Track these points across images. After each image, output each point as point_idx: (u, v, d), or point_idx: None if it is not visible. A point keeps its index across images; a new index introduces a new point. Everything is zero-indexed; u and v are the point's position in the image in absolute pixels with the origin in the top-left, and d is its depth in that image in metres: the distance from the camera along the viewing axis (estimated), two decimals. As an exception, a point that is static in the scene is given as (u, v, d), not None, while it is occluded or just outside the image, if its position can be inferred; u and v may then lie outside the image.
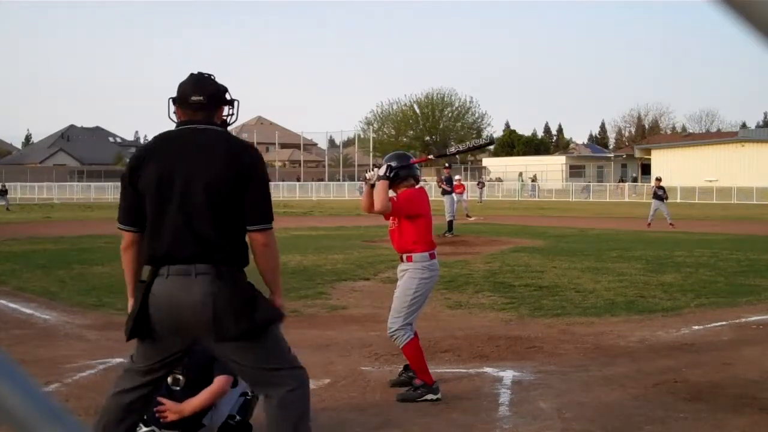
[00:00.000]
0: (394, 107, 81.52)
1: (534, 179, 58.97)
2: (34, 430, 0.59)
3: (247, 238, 3.17)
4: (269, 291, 3.26)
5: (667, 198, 24.19)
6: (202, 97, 3.17)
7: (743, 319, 7.72)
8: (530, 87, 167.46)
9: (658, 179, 24.91)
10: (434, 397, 4.92)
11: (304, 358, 5.98)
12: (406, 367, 5.28)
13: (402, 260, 5.14)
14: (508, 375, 5.51)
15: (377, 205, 4.94)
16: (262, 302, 3.14)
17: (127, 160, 3.25)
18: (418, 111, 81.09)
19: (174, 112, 3.25)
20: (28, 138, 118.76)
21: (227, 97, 3.31)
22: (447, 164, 21.11)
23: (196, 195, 3.05)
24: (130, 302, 3.23)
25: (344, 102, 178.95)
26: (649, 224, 22.64)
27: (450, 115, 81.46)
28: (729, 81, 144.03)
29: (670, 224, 21.87)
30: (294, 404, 3.22)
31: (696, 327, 7.36)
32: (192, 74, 3.26)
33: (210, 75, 3.29)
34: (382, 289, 9.96)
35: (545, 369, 5.69)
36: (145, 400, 3.32)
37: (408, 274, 5.07)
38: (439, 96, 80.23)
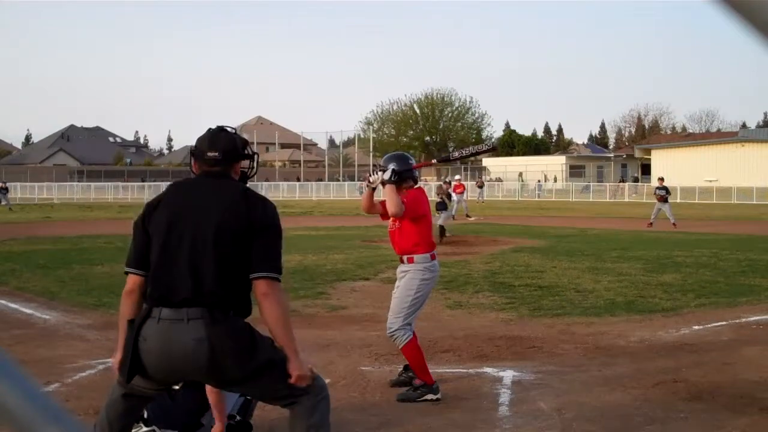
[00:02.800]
0: (394, 107, 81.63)
1: (550, 179, 58.76)
2: (34, 430, 0.59)
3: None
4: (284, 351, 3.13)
5: (669, 194, 24.10)
6: (217, 153, 3.20)
7: (743, 319, 7.72)
8: (530, 87, 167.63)
9: (660, 179, 24.93)
10: (434, 397, 4.92)
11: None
12: (406, 367, 5.29)
13: (403, 261, 5.14)
14: (508, 375, 5.51)
15: (393, 209, 4.96)
16: (260, 342, 3.09)
17: (144, 205, 3.29)
18: (418, 111, 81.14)
19: (191, 166, 3.32)
20: (28, 138, 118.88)
21: (247, 151, 3.33)
22: (447, 180, 20.79)
23: (203, 240, 3.04)
24: (117, 356, 3.15)
25: (344, 102, 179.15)
26: (651, 224, 22.63)
27: (450, 115, 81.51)
28: (729, 81, 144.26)
29: (673, 224, 21.87)
30: (309, 411, 3.15)
31: (696, 327, 7.36)
32: (210, 129, 3.29)
33: (228, 128, 3.32)
34: (382, 289, 9.95)
35: (545, 369, 5.69)
36: (143, 403, 3.33)
37: (409, 275, 5.06)
38: (439, 96, 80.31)
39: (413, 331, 5.09)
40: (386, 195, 5.00)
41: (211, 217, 3.07)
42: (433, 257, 5.12)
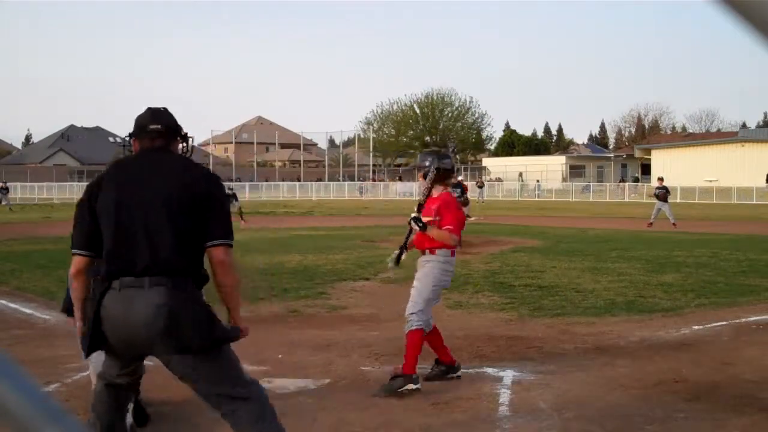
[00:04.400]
0: (394, 107, 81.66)
1: (549, 179, 58.75)
2: (34, 430, 0.59)
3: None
4: (228, 313, 3.26)
5: (669, 194, 24.13)
6: (159, 125, 3.30)
7: (743, 319, 7.72)
8: (530, 87, 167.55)
9: (660, 179, 24.96)
10: (414, 386, 5.01)
11: (304, 358, 6.01)
12: (437, 361, 5.39)
13: (424, 253, 5.28)
14: (508, 375, 5.51)
15: (452, 242, 5.20)
16: (218, 320, 3.17)
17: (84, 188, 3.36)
18: (418, 111, 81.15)
19: (130, 149, 3.42)
20: (28, 138, 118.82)
21: (182, 133, 3.43)
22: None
23: (156, 214, 3.11)
24: (79, 325, 3.29)
25: (344, 102, 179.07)
26: (651, 224, 22.64)
27: (450, 115, 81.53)
28: (729, 81, 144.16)
29: (673, 224, 21.89)
30: (251, 414, 3.17)
31: (696, 327, 7.36)
32: (149, 108, 3.39)
33: (165, 108, 3.44)
34: (382, 289, 9.96)
35: (545, 369, 5.69)
36: (126, 395, 3.38)
37: (430, 266, 5.20)
38: (439, 96, 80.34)
39: (432, 325, 5.25)
40: (436, 237, 5.16)
41: (161, 190, 3.14)
42: (453, 254, 5.32)
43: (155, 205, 3.11)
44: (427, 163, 5.34)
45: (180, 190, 3.15)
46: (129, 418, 4.07)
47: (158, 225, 3.10)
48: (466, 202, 16.15)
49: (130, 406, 4.13)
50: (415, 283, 5.26)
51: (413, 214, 5.30)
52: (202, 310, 3.13)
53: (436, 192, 5.36)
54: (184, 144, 3.45)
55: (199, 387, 3.20)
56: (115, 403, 3.31)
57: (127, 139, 3.41)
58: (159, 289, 3.03)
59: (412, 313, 5.14)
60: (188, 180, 3.19)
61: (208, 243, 3.16)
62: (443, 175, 5.36)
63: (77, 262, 3.22)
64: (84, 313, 3.27)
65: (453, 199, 5.46)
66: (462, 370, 5.62)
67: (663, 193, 23.46)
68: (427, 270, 5.20)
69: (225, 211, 3.32)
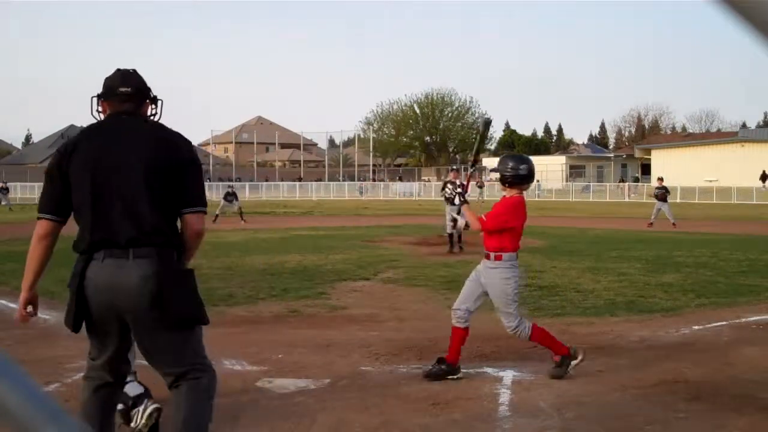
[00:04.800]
0: (394, 107, 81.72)
1: (549, 179, 58.70)
2: (34, 430, 0.59)
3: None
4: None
5: (669, 194, 24.19)
6: (129, 88, 3.25)
7: (743, 319, 7.72)
8: (530, 87, 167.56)
9: (660, 179, 24.99)
10: (578, 360, 5.40)
11: (304, 358, 6.01)
12: (440, 360, 5.42)
13: (489, 258, 5.46)
14: (508, 375, 5.51)
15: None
16: (199, 296, 3.20)
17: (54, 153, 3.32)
18: (418, 111, 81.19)
19: (98, 110, 3.32)
20: (28, 138, 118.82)
21: (152, 95, 3.38)
22: (453, 167, 18.00)
23: (133, 179, 3.07)
24: (23, 296, 3.28)
25: (344, 102, 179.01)
26: (651, 224, 22.66)
27: (450, 115, 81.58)
28: (729, 81, 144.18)
29: (673, 224, 21.90)
30: (200, 391, 3.22)
31: (696, 327, 7.36)
32: (118, 69, 3.33)
33: (135, 70, 3.36)
34: (382, 289, 9.96)
35: (545, 369, 5.68)
36: (113, 395, 3.37)
37: (498, 273, 5.41)
38: (439, 96, 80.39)
39: (467, 325, 5.48)
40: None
41: (136, 158, 3.10)
42: (517, 255, 5.52)
43: (133, 173, 3.08)
44: (510, 166, 5.49)
45: (157, 156, 3.12)
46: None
47: (138, 194, 3.07)
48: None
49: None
50: (492, 298, 5.48)
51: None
52: (188, 281, 3.14)
53: (509, 193, 5.55)
54: (153, 106, 3.39)
55: (163, 361, 3.18)
56: (102, 411, 3.29)
57: (95, 99, 3.33)
58: (144, 261, 3.03)
59: (515, 326, 5.42)
60: (164, 145, 3.17)
61: (183, 210, 3.16)
62: (521, 179, 5.50)
63: (44, 225, 3.17)
64: (33, 282, 3.26)
65: (517, 203, 5.54)
66: (462, 370, 5.62)
67: (662, 193, 23.54)
68: (497, 281, 5.41)
69: (199, 177, 3.30)
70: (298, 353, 6.18)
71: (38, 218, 3.20)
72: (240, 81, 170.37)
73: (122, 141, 3.14)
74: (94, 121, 3.32)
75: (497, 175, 5.56)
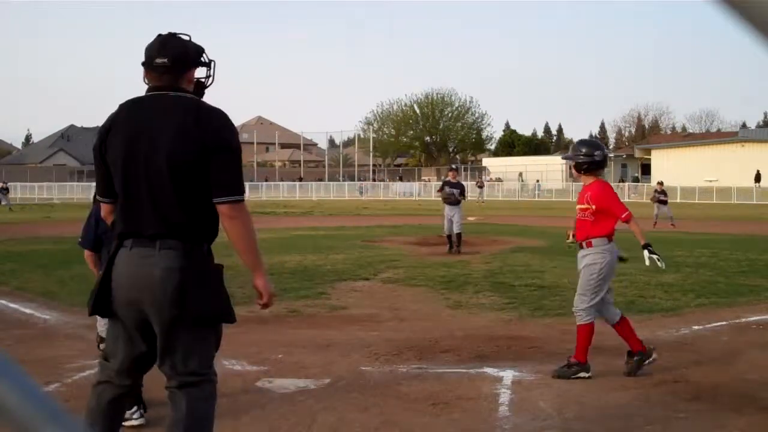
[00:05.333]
0: (394, 107, 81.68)
1: (549, 179, 58.72)
2: (34, 430, 0.59)
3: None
4: (251, 271, 3.13)
5: (667, 198, 24.35)
6: (166, 59, 2.98)
7: (743, 319, 7.72)
8: (530, 87, 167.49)
9: (660, 183, 25.08)
10: (587, 375, 5.31)
11: (304, 358, 6.01)
12: (629, 353, 5.50)
13: (582, 246, 5.50)
14: (508, 375, 5.51)
15: (636, 226, 5.55)
16: (226, 294, 3.07)
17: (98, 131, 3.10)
18: (418, 111, 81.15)
19: (144, 77, 3.08)
20: (28, 138, 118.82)
21: (203, 58, 3.11)
22: (453, 166, 17.24)
23: (159, 170, 2.90)
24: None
25: (344, 102, 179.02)
26: (655, 224, 22.70)
27: (450, 115, 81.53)
28: (729, 81, 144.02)
29: (672, 225, 21.93)
30: (198, 413, 3.05)
31: (696, 327, 7.36)
32: (159, 34, 3.06)
33: (180, 34, 3.08)
34: (382, 289, 9.96)
35: (545, 369, 5.68)
36: (121, 405, 3.23)
37: (589, 259, 5.42)
38: (438, 96, 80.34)
39: (618, 314, 5.51)
40: (637, 232, 5.59)
41: (162, 145, 2.90)
42: (610, 239, 5.46)
43: (158, 163, 2.90)
44: (583, 152, 5.54)
45: (188, 140, 2.91)
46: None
47: (162, 186, 2.91)
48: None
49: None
50: (579, 279, 5.51)
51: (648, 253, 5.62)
52: (214, 280, 2.99)
53: (587, 181, 5.58)
54: (208, 69, 3.14)
55: (174, 361, 2.99)
56: (110, 421, 3.13)
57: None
58: (170, 252, 2.90)
59: (580, 309, 5.41)
60: (198, 128, 2.92)
61: (215, 199, 2.95)
62: (597, 165, 5.55)
63: (105, 208, 3.13)
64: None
65: (606, 187, 5.62)
66: (462, 370, 5.62)
67: (662, 200, 23.81)
68: (587, 262, 5.43)
69: (233, 163, 3.01)
70: (298, 353, 6.18)
71: (99, 200, 3.15)
72: (240, 81, 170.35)
73: (153, 126, 2.94)
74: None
75: (568, 162, 5.69)
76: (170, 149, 2.90)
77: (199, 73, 3.16)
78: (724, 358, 6.03)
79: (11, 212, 33.32)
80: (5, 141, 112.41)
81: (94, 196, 3.71)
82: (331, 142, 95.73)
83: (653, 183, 41.45)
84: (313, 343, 6.55)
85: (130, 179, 2.95)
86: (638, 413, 4.66)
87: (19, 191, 49.00)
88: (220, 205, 2.95)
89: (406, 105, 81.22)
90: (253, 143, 79.91)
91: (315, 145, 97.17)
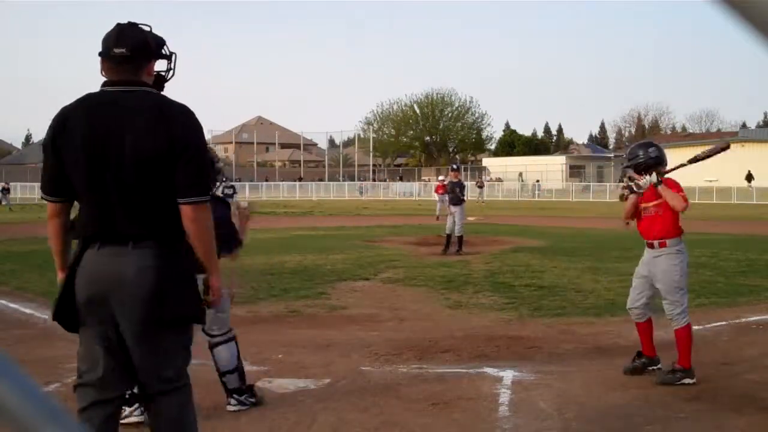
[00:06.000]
0: (394, 107, 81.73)
1: (549, 179, 58.74)
2: (34, 430, 0.59)
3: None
4: (206, 270, 3.03)
5: None
6: (124, 49, 2.82)
7: (743, 319, 7.72)
8: (530, 87, 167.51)
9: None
10: (691, 381, 5.21)
11: (304, 358, 6.01)
12: (639, 353, 5.53)
13: (653, 246, 5.46)
14: (508, 375, 5.51)
15: (683, 204, 5.38)
16: (199, 295, 2.97)
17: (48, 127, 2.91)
18: (418, 111, 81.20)
19: (101, 70, 2.92)
20: (28, 138, 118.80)
21: (164, 50, 2.98)
22: (455, 166, 16.74)
23: (126, 169, 2.78)
24: (60, 276, 3.02)
25: (344, 102, 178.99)
26: None
27: (450, 115, 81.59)
28: (729, 81, 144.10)
29: None
30: (187, 419, 3.01)
31: (696, 327, 7.33)
32: (118, 24, 2.92)
33: (141, 25, 2.94)
34: (382, 289, 9.96)
35: (545, 369, 5.68)
36: (116, 415, 3.05)
37: (665, 260, 5.37)
38: (438, 96, 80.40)
39: (688, 318, 5.39)
40: (666, 195, 5.40)
41: (128, 144, 2.77)
42: (681, 237, 5.46)
43: (124, 162, 2.77)
44: (641, 154, 5.61)
45: (150, 143, 2.78)
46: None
47: (129, 186, 2.80)
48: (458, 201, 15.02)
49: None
50: (658, 284, 5.40)
51: (630, 183, 5.54)
52: (187, 281, 2.90)
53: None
54: (169, 62, 3.02)
55: (146, 362, 2.88)
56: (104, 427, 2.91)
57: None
58: (144, 251, 2.80)
59: (677, 314, 5.31)
60: (161, 126, 2.80)
61: (179, 199, 2.83)
62: (655, 162, 5.60)
63: (49, 207, 2.96)
64: (63, 262, 3.02)
65: (671, 181, 5.62)
66: (462, 370, 5.62)
67: None
68: (665, 267, 5.36)
69: (198, 161, 2.88)
70: (298, 353, 6.18)
71: (42, 198, 3.00)
72: (240, 81, 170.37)
73: (117, 124, 2.79)
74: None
75: (629, 171, 5.63)
76: (137, 148, 2.78)
77: (160, 66, 3.03)
78: (724, 358, 6.03)
79: (11, 212, 33.31)
80: (5, 141, 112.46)
81: None
82: (331, 142, 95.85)
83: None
84: (313, 343, 6.55)
85: (96, 179, 2.81)
86: (638, 413, 4.66)
87: (19, 191, 48.96)
88: (183, 206, 2.85)
89: (406, 105, 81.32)
90: (253, 143, 79.93)
91: (315, 145, 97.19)
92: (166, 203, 2.85)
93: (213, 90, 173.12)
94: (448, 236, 14.61)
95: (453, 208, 14.79)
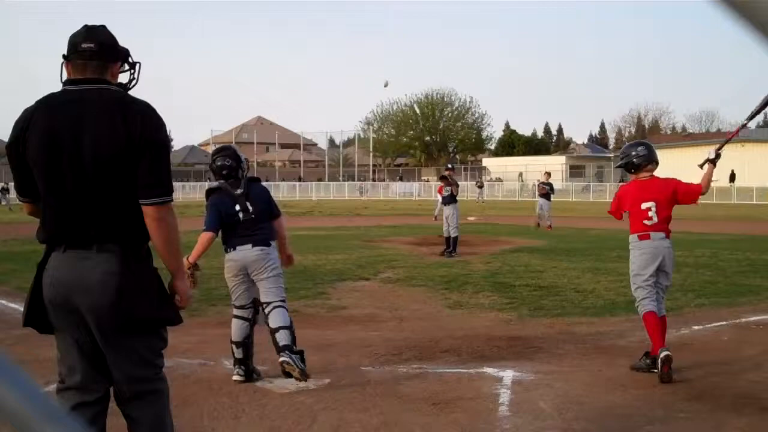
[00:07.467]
0: (394, 107, 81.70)
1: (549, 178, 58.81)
2: (34, 430, 0.59)
3: None
4: (170, 273, 2.99)
5: None
6: (93, 44, 2.82)
7: (743, 319, 7.72)
8: (530, 87, 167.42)
9: None
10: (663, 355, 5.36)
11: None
12: (647, 353, 5.62)
13: (669, 236, 6.03)
14: (508, 375, 5.51)
15: (699, 192, 5.93)
16: (168, 297, 2.94)
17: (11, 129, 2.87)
18: (418, 111, 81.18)
19: (65, 71, 2.92)
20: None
21: (130, 59, 2.99)
22: (450, 165, 16.21)
23: (85, 169, 2.74)
24: None
25: (344, 102, 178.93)
26: None
27: (450, 115, 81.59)
28: (729, 81, 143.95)
29: None
30: (156, 403, 2.99)
31: (696, 327, 7.36)
32: (85, 24, 2.93)
33: (105, 26, 2.96)
34: (382, 289, 9.96)
35: (545, 369, 5.69)
36: (103, 415, 3.03)
37: (671, 249, 6.03)
38: (438, 96, 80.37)
39: (652, 308, 5.61)
40: (705, 180, 5.83)
41: (88, 143, 2.73)
42: (641, 237, 5.88)
43: (84, 163, 2.73)
44: (632, 153, 5.80)
45: (114, 137, 2.73)
46: None
47: (89, 187, 2.75)
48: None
49: None
50: (668, 266, 5.88)
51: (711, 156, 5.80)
52: (153, 284, 2.87)
53: (645, 178, 5.82)
54: (132, 71, 3.00)
55: (120, 367, 2.88)
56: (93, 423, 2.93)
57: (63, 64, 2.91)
58: (108, 255, 2.76)
59: (637, 301, 5.69)
60: (123, 123, 2.74)
61: (141, 200, 2.78)
62: (644, 160, 5.76)
63: (27, 207, 2.99)
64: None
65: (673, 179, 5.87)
66: (462, 370, 5.62)
67: None
68: (672, 255, 6.00)
69: (160, 160, 2.83)
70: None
71: (19, 200, 3.00)
72: (240, 81, 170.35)
73: (76, 122, 2.75)
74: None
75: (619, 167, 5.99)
76: (95, 146, 2.74)
77: (123, 78, 3.03)
78: (724, 358, 6.03)
79: (11, 212, 33.31)
80: (5, 141, 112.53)
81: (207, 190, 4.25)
82: (331, 142, 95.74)
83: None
84: (313, 343, 6.54)
85: (55, 180, 2.77)
86: (638, 413, 4.66)
87: (19, 191, 49.03)
88: (146, 207, 2.80)
89: (406, 105, 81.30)
90: (253, 143, 79.91)
91: (315, 145, 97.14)
92: (130, 204, 2.81)
93: (213, 90, 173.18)
94: (447, 238, 14.57)
95: (446, 209, 14.68)
